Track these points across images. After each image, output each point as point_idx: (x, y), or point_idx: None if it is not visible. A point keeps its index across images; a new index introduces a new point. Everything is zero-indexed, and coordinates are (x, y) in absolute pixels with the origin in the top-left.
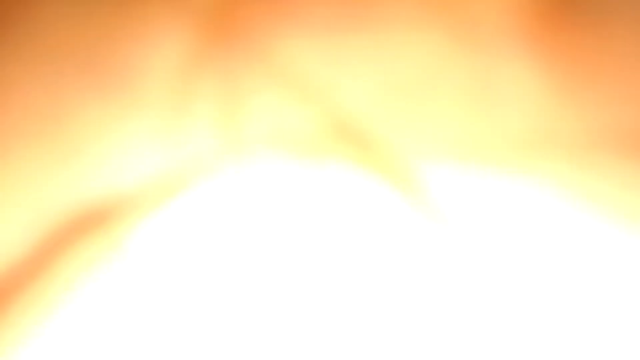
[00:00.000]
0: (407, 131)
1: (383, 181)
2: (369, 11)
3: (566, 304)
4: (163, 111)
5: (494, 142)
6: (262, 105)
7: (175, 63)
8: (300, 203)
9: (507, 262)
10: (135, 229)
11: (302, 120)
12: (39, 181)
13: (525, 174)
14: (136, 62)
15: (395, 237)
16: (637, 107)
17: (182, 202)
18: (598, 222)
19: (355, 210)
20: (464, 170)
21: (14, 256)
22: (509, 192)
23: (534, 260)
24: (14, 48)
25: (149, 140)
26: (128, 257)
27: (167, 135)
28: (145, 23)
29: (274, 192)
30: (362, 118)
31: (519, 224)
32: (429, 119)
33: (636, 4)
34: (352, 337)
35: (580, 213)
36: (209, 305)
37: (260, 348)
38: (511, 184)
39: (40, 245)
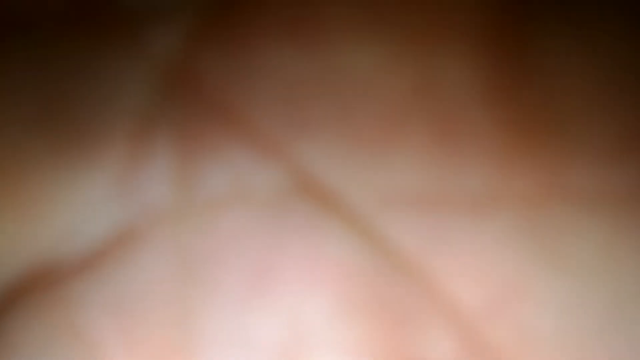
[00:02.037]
0: (366, 185)
1: (345, 235)
2: (329, 68)
3: (519, 353)
4: (119, 164)
5: (451, 195)
6: (221, 160)
7: (133, 115)
8: (260, 257)
9: (462, 315)
10: (90, 285)
11: (262, 176)
12: None
13: (480, 227)
14: (92, 113)
15: (360, 289)
16: (584, 166)
17: (138, 257)
18: (548, 275)
19: (318, 264)
20: (423, 223)
21: None
22: (465, 245)
23: (490, 311)
24: None
25: (103, 193)
26: (82, 314)
27: (122, 189)
28: (102, 75)
29: (233, 247)
30: (323, 173)
31: (474, 275)
32: (388, 172)
33: (588, 67)
34: None
35: (532, 267)
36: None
37: None
38: (467, 236)
39: None
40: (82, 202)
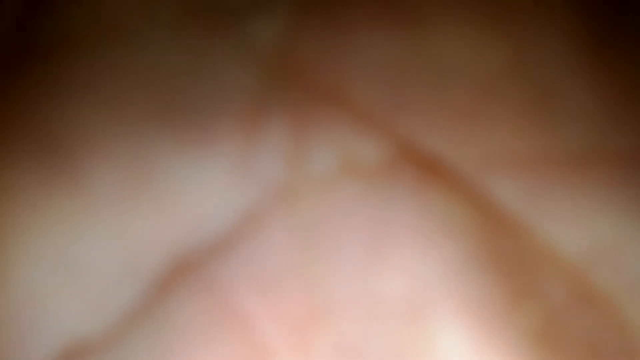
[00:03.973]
0: (469, 150)
1: (450, 197)
2: (424, 46)
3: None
4: (237, 150)
5: (552, 157)
6: (329, 137)
7: (245, 104)
8: (375, 224)
9: (570, 265)
10: (230, 265)
11: (368, 148)
12: (128, 235)
13: (579, 184)
14: (208, 105)
15: (470, 248)
16: None
17: (265, 234)
18: None
19: (426, 235)
20: (526, 185)
21: (110, 311)
22: (566, 200)
23: (596, 260)
24: (95, 96)
25: (226, 178)
26: (231, 292)
27: (242, 173)
28: (215, 69)
29: (349, 216)
30: (425, 142)
31: (578, 228)
32: (486, 136)
33: None
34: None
35: (633, 219)
36: (291, 343)
37: None
38: (568, 193)
39: (138, 300)
40: (208, 189)
